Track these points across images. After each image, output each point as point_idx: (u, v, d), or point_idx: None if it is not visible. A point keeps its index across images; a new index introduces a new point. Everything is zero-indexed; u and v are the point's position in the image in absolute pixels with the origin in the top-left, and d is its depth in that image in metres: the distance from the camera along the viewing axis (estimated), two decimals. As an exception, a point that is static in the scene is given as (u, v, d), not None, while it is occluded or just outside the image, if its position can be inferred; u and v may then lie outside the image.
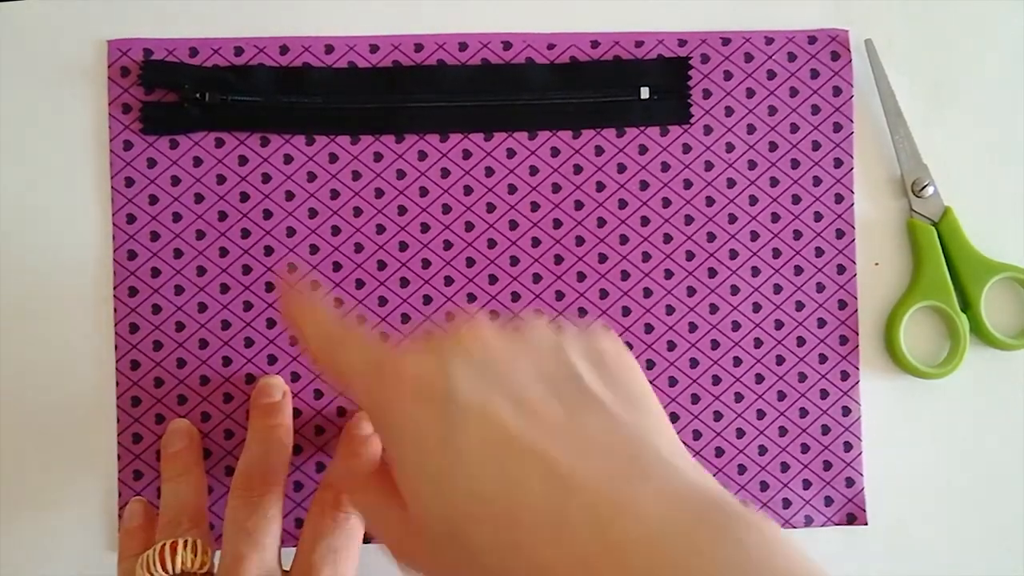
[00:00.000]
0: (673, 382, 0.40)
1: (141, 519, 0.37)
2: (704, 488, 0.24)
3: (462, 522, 0.25)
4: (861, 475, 0.41)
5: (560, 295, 0.40)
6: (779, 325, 0.41)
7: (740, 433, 0.40)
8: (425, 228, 0.40)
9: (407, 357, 0.27)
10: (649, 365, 0.40)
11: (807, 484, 0.41)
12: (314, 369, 0.39)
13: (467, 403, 0.25)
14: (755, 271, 0.41)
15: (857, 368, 0.41)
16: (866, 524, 0.41)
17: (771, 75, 0.41)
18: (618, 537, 0.23)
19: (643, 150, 0.40)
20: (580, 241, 0.40)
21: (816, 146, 0.41)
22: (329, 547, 0.34)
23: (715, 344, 0.40)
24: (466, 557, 0.25)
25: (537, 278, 0.40)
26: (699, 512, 0.23)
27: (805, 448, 0.41)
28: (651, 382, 0.40)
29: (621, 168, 0.40)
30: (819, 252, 0.41)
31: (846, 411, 0.41)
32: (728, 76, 0.41)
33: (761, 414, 0.41)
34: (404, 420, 0.26)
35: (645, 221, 0.40)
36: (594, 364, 0.27)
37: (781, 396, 0.41)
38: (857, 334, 0.41)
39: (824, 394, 0.41)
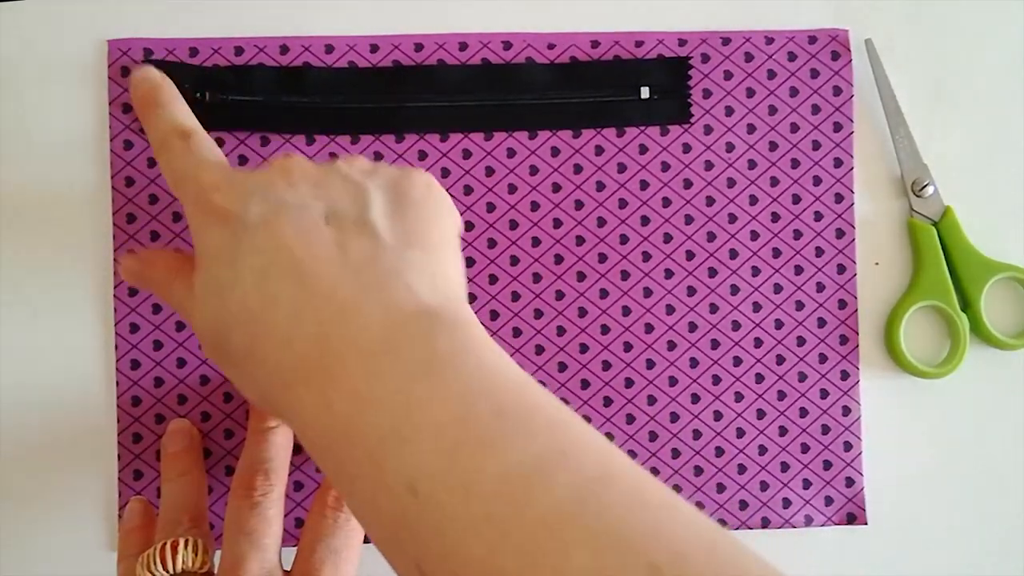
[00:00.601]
0: (673, 382, 0.40)
1: (141, 518, 0.37)
2: (422, 303, 0.27)
3: (227, 331, 0.29)
4: (861, 475, 0.41)
5: (560, 295, 0.40)
6: (779, 325, 0.41)
7: (740, 433, 0.41)
8: (425, 228, 0.40)
9: (220, 183, 0.30)
10: (649, 365, 0.40)
11: (807, 484, 0.41)
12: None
13: (252, 223, 0.29)
14: (755, 271, 0.41)
15: (857, 368, 0.41)
16: (866, 524, 0.41)
17: (771, 75, 0.41)
18: (334, 348, 0.26)
19: (643, 150, 0.40)
20: (580, 241, 0.40)
21: (816, 146, 0.41)
22: (329, 547, 0.34)
23: (715, 344, 0.40)
24: (230, 363, 0.29)
25: (537, 278, 0.40)
26: (407, 323, 0.26)
27: (805, 448, 0.41)
28: (651, 382, 0.40)
29: (621, 168, 0.40)
30: (819, 252, 0.41)
31: (846, 411, 0.41)
32: (728, 76, 0.41)
33: (761, 414, 0.41)
34: (203, 238, 0.30)
35: (645, 221, 0.40)
36: (389, 198, 0.30)
37: (781, 396, 0.41)
38: (857, 334, 0.41)
39: (824, 394, 0.41)
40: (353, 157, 0.32)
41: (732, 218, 0.41)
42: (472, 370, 0.26)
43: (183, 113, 0.34)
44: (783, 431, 0.41)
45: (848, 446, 0.41)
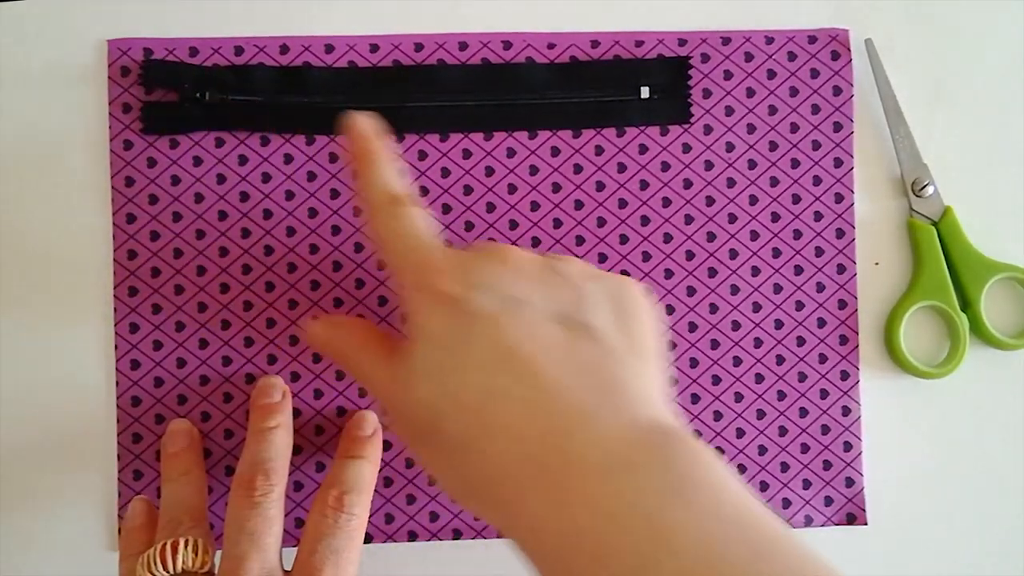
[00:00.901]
0: (673, 382, 0.40)
1: (143, 518, 0.37)
2: (655, 419, 0.27)
3: (445, 414, 0.28)
4: (861, 475, 0.41)
5: (560, 295, 0.40)
6: (779, 325, 0.41)
7: (740, 433, 0.41)
8: (425, 228, 0.40)
9: (442, 265, 0.30)
10: (649, 365, 0.40)
11: (807, 484, 0.41)
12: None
13: (479, 315, 0.29)
14: (755, 271, 0.41)
15: (857, 368, 0.41)
16: (866, 524, 0.41)
17: (771, 75, 0.41)
18: (569, 454, 0.26)
19: (643, 150, 0.40)
20: (580, 241, 0.40)
21: (816, 146, 0.41)
22: (330, 548, 0.34)
23: (715, 344, 0.40)
24: (437, 442, 0.29)
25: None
26: (645, 441, 0.26)
27: (805, 448, 0.41)
28: (651, 382, 0.40)
29: (621, 168, 0.40)
30: (819, 252, 0.41)
31: (846, 411, 0.41)
32: (728, 76, 0.41)
33: (761, 414, 0.41)
34: (422, 319, 0.30)
35: (645, 221, 0.40)
36: (609, 304, 0.30)
37: (781, 396, 0.41)
38: (857, 334, 0.41)
39: (824, 394, 0.41)
40: (568, 258, 0.32)
41: (732, 218, 0.41)
42: (720, 495, 0.25)
43: (397, 176, 0.33)
44: (783, 431, 0.41)
45: (848, 446, 0.41)
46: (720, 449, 0.40)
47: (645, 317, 0.31)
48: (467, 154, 0.40)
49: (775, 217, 0.41)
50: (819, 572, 0.24)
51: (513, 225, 0.40)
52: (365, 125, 0.34)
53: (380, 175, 0.33)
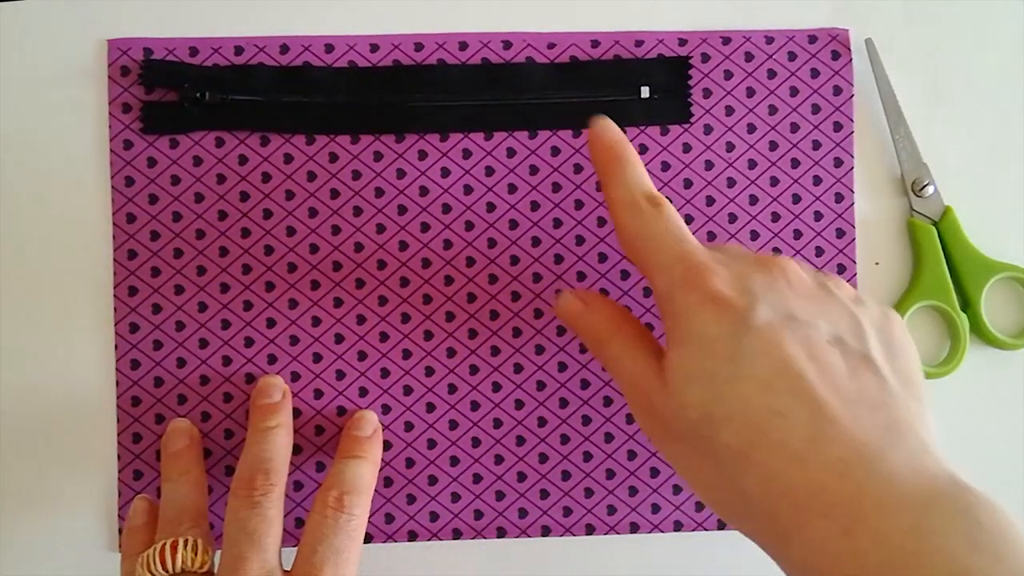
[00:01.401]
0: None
1: (144, 517, 0.37)
2: (947, 470, 0.27)
3: (718, 423, 0.28)
4: (861, 475, 0.41)
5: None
6: (779, 325, 0.41)
7: (740, 433, 0.40)
8: (425, 228, 0.40)
9: (715, 266, 0.30)
10: (649, 365, 0.40)
11: (807, 484, 0.41)
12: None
13: (761, 328, 0.29)
14: (755, 271, 0.41)
15: (857, 368, 0.41)
16: (866, 524, 0.41)
17: (771, 74, 0.41)
18: (861, 485, 0.26)
19: (643, 149, 0.40)
20: (580, 241, 0.40)
21: (816, 145, 0.41)
22: (330, 548, 0.34)
23: (715, 344, 0.40)
24: (703, 447, 0.29)
25: (537, 278, 0.40)
26: (940, 487, 0.26)
27: (805, 448, 0.41)
28: (652, 382, 0.40)
29: (621, 168, 0.40)
30: (819, 252, 0.41)
31: (846, 411, 0.41)
32: (728, 75, 0.41)
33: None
34: (696, 322, 0.30)
35: (645, 221, 0.40)
36: (881, 338, 0.30)
37: (781, 396, 0.41)
38: (857, 334, 0.41)
39: (824, 394, 0.41)
40: (837, 279, 0.32)
41: (732, 218, 0.41)
42: (1016, 549, 0.25)
43: (647, 177, 0.34)
44: (783, 431, 0.41)
45: (848, 446, 0.41)
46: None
47: (911, 354, 0.31)
48: (467, 154, 0.40)
49: (775, 217, 0.41)
50: None
51: (513, 225, 0.40)
52: (610, 129, 0.34)
53: (633, 176, 0.33)
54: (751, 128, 0.41)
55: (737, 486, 0.29)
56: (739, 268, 0.31)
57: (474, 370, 0.40)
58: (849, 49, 0.41)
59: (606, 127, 0.35)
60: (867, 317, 0.31)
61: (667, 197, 0.40)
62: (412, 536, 0.40)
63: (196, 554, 0.34)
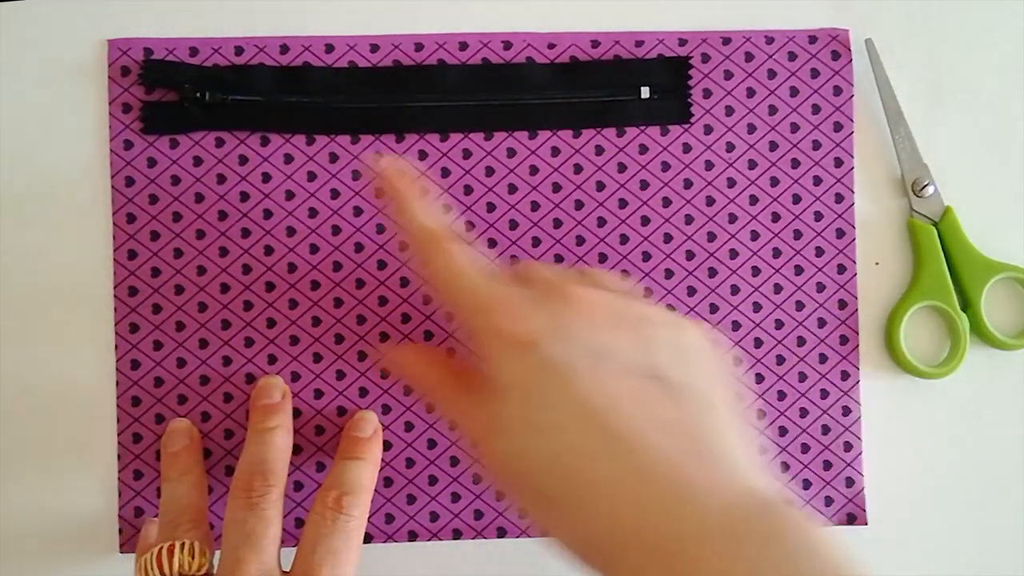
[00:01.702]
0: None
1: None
2: (757, 489, 0.27)
3: (541, 473, 0.28)
4: (861, 475, 0.41)
5: (560, 295, 0.40)
6: (779, 325, 0.41)
7: (740, 433, 0.40)
8: (425, 228, 0.40)
9: (501, 295, 0.30)
10: (649, 365, 0.40)
11: (807, 484, 0.41)
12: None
13: (556, 364, 0.28)
14: (755, 271, 0.41)
15: (857, 368, 0.41)
16: (866, 524, 0.41)
17: (771, 75, 0.41)
18: (670, 517, 0.26)
19: (643, 150, 0.40)
20: (580, 241, 0.40)
21: (816, 146, 0.41)
22: (329, 548, 0.34)
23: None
24: (536, 502, 0.29)
25: (537, 278, 0.40)
26: (749, 510, 0.26)
27: (805, 448, 0.41)
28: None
29: (621, 168, 0.40)
30: (819, 252, 0.41)
31: (846, 411, 0.41)
32: (728, 75, 0.41)
33: (761, 414, 0.41)
34: (496, 369, 0.29)
35: (645, 221, 0.40)
36: (677, 356, 0.30)
37: (781, 396, 0.41)
38: (857, 334, 0.41)
39: (824, 394, 0.41)
40: (633, 300, 0.31)
41: (732, 218, 0.41)
42: (838, 569, 0.25)
43: (435, 212, 0.33)
44: (783, 431, 0.41)
45: (848, 446, 0.41)
46: (720, 449, 0.40)
47: (715, 368, 0.30)
48: (467, 154, 0.40)
49: (775, 217, 0.41)
50: None
51: (513, 225, 0.40)
52: (392, 166, 0.34)
53: (416, 214, 0.33)
54: (751, 128, 0.41)
55: (582, 533, 0.28)
56: (529, 303, 0.30)
57: (474, 370, 0.40)
58: (849, 49, 0.41)
59: (389, 165, 0.34)
60: (667, 338, 0.30)
61: (667, 197, 0.40)
62: (412, 536, 0.40)
63: (194, 557, 0.34)
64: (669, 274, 0.40)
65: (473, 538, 0.40)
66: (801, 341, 0.41)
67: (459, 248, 0.32)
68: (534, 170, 0.40)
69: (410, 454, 0.40)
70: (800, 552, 0.25)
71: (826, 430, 0.41)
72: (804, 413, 0.41)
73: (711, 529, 0.26)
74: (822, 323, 0.41)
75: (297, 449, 0.39)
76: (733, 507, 0.26)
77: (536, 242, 0.40)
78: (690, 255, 0.40)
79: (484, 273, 0.31)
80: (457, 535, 0.40)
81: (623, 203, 0.40)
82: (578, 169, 0.40)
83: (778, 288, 0.41)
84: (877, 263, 0.41)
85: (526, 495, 0.29)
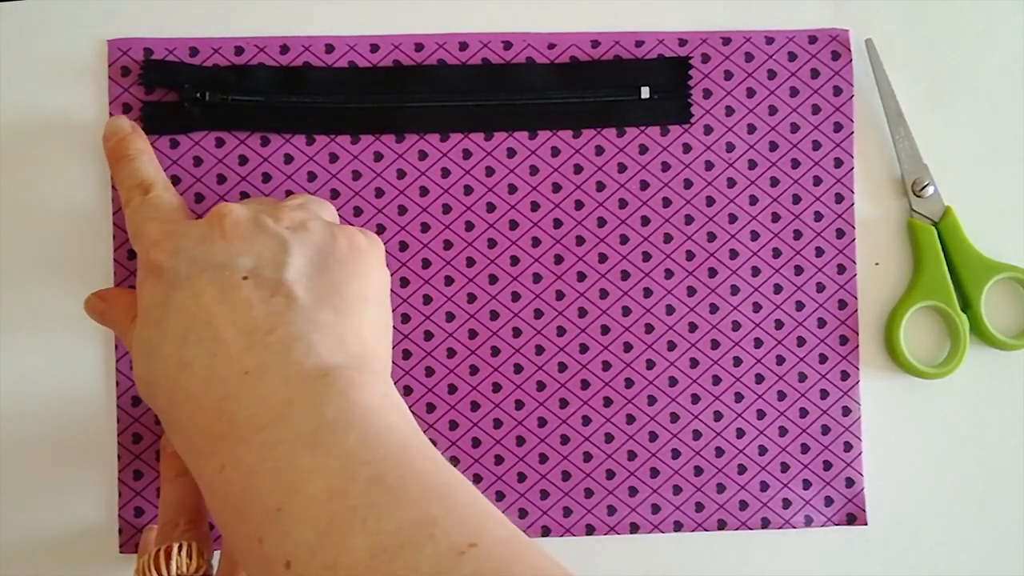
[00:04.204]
0: (673, 382, 0.40)
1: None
2: (326, 366, 0.28)
3: (152, 393, 0.30)
4: (861, 475, 0.41)
5: (560, 295, 0.40)
6: (779, 325, 0.41)
7: (740, 433, 0.40)
8: (425, 228, 0.40)
9: (157, 237, 0.31)
10: (649, 365, 0.40)
11: (807, 484, 0.41)
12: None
13: (181, 284, 0.30)
14: (755, 271, 0.41)
15: (857, 368, 0.41)
16: (866, 524, 0.41)
17: (771, 75, 0.41)
18: (233, 418, 0.27)
19: (643, 150, 0.40)
20: (580, 241, 0.40)
21: (816, 146, 0.41)
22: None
23: (715, 344, 0.40)
24: (163, 423, 0.31)
25: (537, 278, 0.40)
26: (301, 386, 0.27)
27: (805, 448, 0.41)
28: (651, 382, 0.40)
29: (621, 168, 0.40)
30: (819, 252, 0.41)
31: (846, 411, 0.41)
32: (728, 76, 0.41)
33: (761, 414, 0.41)
34: (140, 295, 0.31)
35: (645, 221, 0.40)
36: (311, 256, 0.31)
37: (781, 396, 0.41)
38: (857, 334, 0.41)
39: (824, 394, 0.41)
40: (290, 204, 0.32)
41: (732, 218, 0.41)
42: (356, 438, 0.26)
43: (149, 165, 0.35)
44: (783, 431, 0.41)
45: (848, 446, 0.41)
46: (720, 449, 0.40)
47: (348, 264, 0.31)
48: (467, 154, 0.40)
49: (775, 217, 0.41)
50: (431, 492, 0.25)
51: (513, 225, 0.40)
52: (118, 123, 0.36)
53: (131, 167, 0.35)
54: (751, 128, 0.41)
55: (179, 446, 0.30)
56: (179, 233, 0.31)
57: (474, 370, 0.40)
58: (849, 49, 0.41)
59: (115, 127, 0.36)
60: (299, 240, 0.31)
61: (667, 197, 0.40)
62: (412, 536, 0.40)
63: (191, 559, 0.34)
64: (669, 274, 0.40)
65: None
66: (801, 341, 0.41)
67: (157, 192, 0.34)
68: (534, 170, 0.40)
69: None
70: (331, 425, 0.26)
71: (826, 430, 0.41)
72: (804, 413, 0.41)
73: (257, 419, 0.27)
74: (822, 323, 0.41)
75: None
76: (286, 392, 0.27)
77: (536, 242, 0.40)
78: (690, 255, 0.40)
79: (172, 213, 0.33)
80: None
81: (623, 203, 0.40)
82: (578, 169, 0.40)
83: (778, 288, 0.41)
84: (877, 263, 0.41)
85: (156, 408, 0.31)
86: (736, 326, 0.41)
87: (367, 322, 0.31)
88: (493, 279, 0.40)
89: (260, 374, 0.28)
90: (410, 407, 0.39)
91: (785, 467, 0.41)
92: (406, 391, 0.40)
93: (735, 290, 0.41)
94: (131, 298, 0.34)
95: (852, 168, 0.41)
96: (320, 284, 0.30)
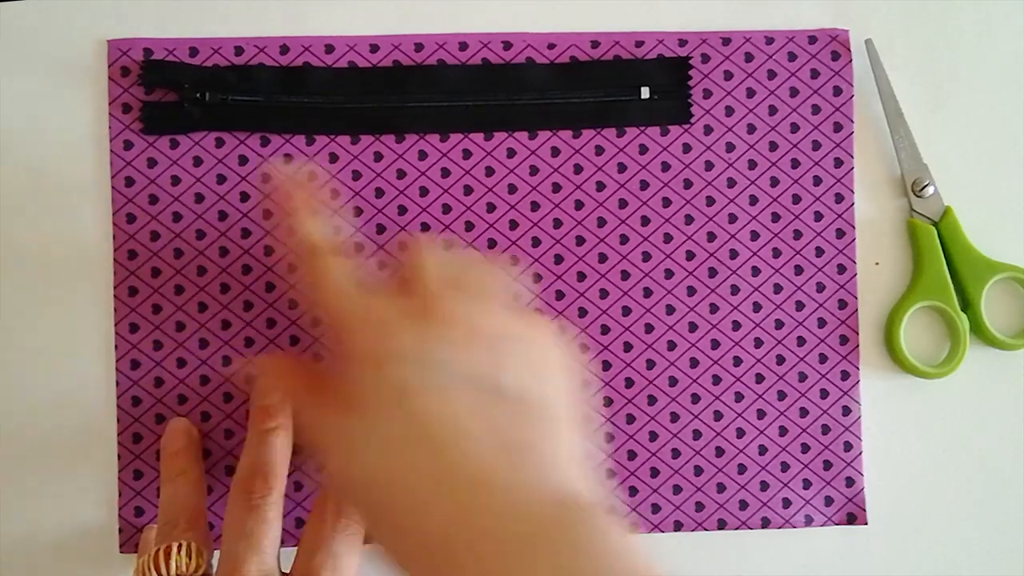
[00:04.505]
0: (673, 382, 0.40)
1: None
2: (567, 491, 0.28)
3: (375, 489, 0.29)
4: (861, 475, 0.41)
5: (560, 295, 0.40)
6: (779, 325, 0.41)
7: (740, 433, 0.40)
8: (425, 228, 0.40)
9: (372, 323, 0.30)
10: (649, 365, 0.40)
11: (807, 484, 0.41)
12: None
13: (395, 385, 0.29)
14: (755, 271, 0.41)
15: (857, 368, 0.41)
16: (866, 524, 0.41)
17: (771, 75, 0.41)
18: (480, 525, 0.27)
19: (643, 150, 0.40)
20: (580, 241, 0.40)
21: (816, 146, 0.41)
22: (329, 552, 0.34)
23: (715, 344, 0.40)
24: (374, 515, 0.30)
25: (537, 278, 0.40)
26: (551, 509, 0.27)
27: (805, 448, 0.41)
28: (651, 382, 0.40)
29: (621, 168, 0.40)
30: (819, 252, 0.41)
31: (846, 411, 0.41)
32: (728, 76, 0.41)
33: (761, 414, 0.41)
34: (349, 379, 0.30)
35: (645, 221, 0.40)
36: (521, 369, 0.30)
37: (781, 396, 0.41)
38: (857, 334, 0.41)
39: (824, 394, 0.41)
40: (493, 309, 0.31)
41: (732, 218, 0.41)
42: (622, 569, 0.26)
43: (320, 226, 0.34)
44: (783, 431, 0.41)
45: (848, 446, 0.41)
46: (720, 449, 0.40)
47: (557, 376, 0.31)
48: (467, 154, 0.40)
49: (775, 217, 0.41)
50: None
51: (513, 225, 0.40)
52: (285, 177, 0.35)
53: (317, 222, 0.33)
54: (751, 128, 0.41)
55: (407, 548, 0.29)
56: (384, 323, 0.30)
57: (474, 370, 0.40)
58: (849, 49, 0.41)
59: (282, 176, 0.35)
60: (515, 350, 0.30)
61: (667, 197, 0.40)
62: (412, 536, 0.40)
63: (191, 558, 0.34)
64: (669, 274, 0.40)
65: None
66: (801, 341, 0.41)
67: (336, 262, 0.32)
68: (534, 170, 0.40)
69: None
70: (596, 553, 0.26)
71: (826, 430, 0.41)
72: (804, 413, 0.41)
73: (512, 536, 0.26)
74: (822, 323, 0.41)
75: (297, 449, 0.39)
76: (536, 510, 0.27)
77: (536, 242, 0.40)
78: (690, 255, 0.40)
79: (358, 289, 0.32)
80: (457, 535, 0.40)
81: (623, 203, 0.40)
82: (578, 169, 0.40)
83: (778, 288, 0.41)
84: (877, 263, 0.41)
85: (362, 510, 0.31)
86: (736, 326, 0.41)
87: (577, 431, 0.31)
88: (493, 279, 0.40)
89: (501, 485, 0.28)
90: (410, 407, 0.40)
91: (785, 467, 0.41)
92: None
93: (735, 290, 0.41)
94: (307, 367, 0.34)
95: (852, 168, 0.41)
96: (536, 396, 0.30)
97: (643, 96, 0.40)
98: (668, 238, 0.40)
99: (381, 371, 0.29)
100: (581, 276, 0.40)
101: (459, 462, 0.28)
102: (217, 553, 0.35)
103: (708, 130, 0.40)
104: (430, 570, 0.28)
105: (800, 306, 0.41)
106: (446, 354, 0.30)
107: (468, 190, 0.40)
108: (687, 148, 0.40)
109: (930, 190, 0.41)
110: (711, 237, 0.40)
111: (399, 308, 0.31)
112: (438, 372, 0.29)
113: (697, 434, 0.40)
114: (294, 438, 0.35)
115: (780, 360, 0.41)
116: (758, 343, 0.41)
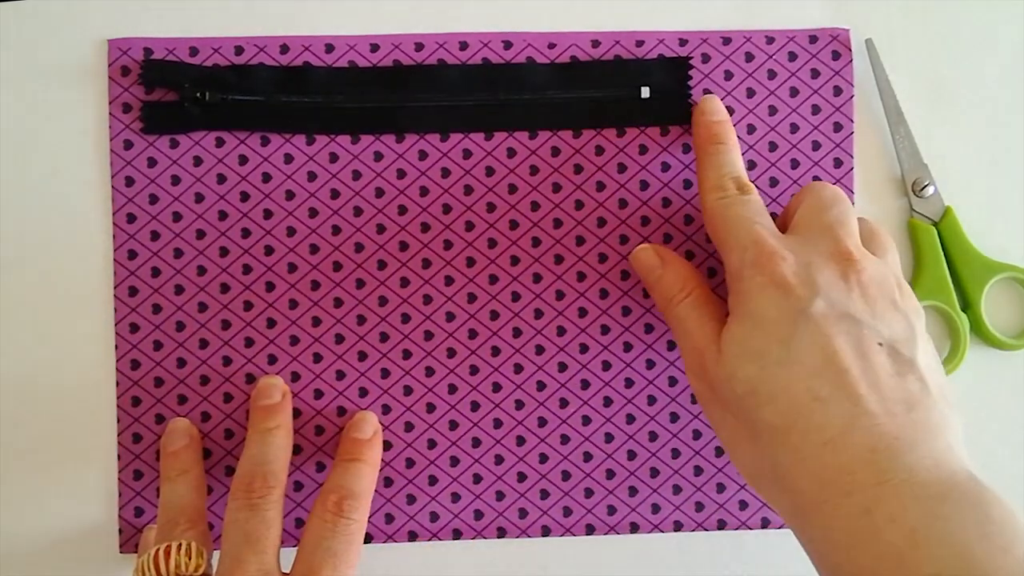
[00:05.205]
0: (673, 382, 0.40)
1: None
2: (967, 469, 0.29)
3: (762, 399, 0.31)
4: (861, 475, 0.41)
5: (560, 295, 0.40)
6: (779, 325, 0.41)
7: (740, 433, 0.40)
8: (425, 228, 0.40)
9: (786, 254, 0.33)
10: (649, 365, 0.40)
11: (807, 484, 0.41)
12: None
13: (816, 319, 0.31)
14: (755, 271, 0.41)
15: (857, 368, 0.41)
16: (866, 524, 0.41)
17: (771, 75, 0.41)
18: (885, 473, 0.29)
19: (643, 150, 0.40)
20: (580, 241, 0.40)
21: (816, 146, 0.41)
22: (329, 550, 0.34)
23: (715, 344, 0.40)
24: (743, 418, 0.32)
25: (537, 278, 0.40)
26: (958, 482, 0.28)
27: (805, 448, 0.41)
28: (651, 382, 0.40)
29: (621, 168, 0.40)
30: (819, 252, 0.41)
31: (846, 411, 0.41)
32: (728, 76, 0.41)
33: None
34: (757, 302, 0.32)
35: (645, 221, 0.40)
36: (928, 350, 0.32)
37: (781, 396, 0.41)
38: (857, 334, 0.41)
39: (824, 394, 0.41)
40: (906, 289, 0.33)
41: (732, 218, 0.40)
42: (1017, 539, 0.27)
43: (741, 162, 0.37)
44: (783, 431, 0.41)
45: (848, 446, 0.41)
46: (720, 449, 0.40)
47: (933, 359, 0.33)
48: (467, 154, 0.40)
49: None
50: None
51: (513, 225, 0.40)
52: (715, 111, 0.37)
53: (727, 160, 0.36)
54: (751, 129, 0.41)
55: (769, 459, 0.31)
56: (811, 258, 0.32)
57: (474, 370, 0.40)
58: (849, 49, 0.41)
59: (713, 108, 0.38)
60: (921, 331, 0.32)
61: (667, 197, 0.40)
62: (412, 536, 0.40)
63: (191, 558, 0.34)
64: (669, 274, 0.40)
65: (473, 538, 0.40)
66: (801, 341, 0.41)
67: (757, 199, 0.35)
68: (534, 170, 0.40)
69: (410, 454, 0.40)
70: (999, 525, 0.27)
71: (826, 430, 0.41)
72: (804, 413, 0.41)
73: (917, 491, 0.28)
74: (822, 323, 0.41)
75: (297, 449, 0.39)
76: (942, 477, 0.28)
77: (536, 242, 0.40)
78: (690, 255, 0.40)
79: (771, 225, 0.34)
80: (457, 535, 0.40)
81: (623, 203, 0.40)
82: (578, 169, 0.40)
83: (778, 288, 0.41)
84: (877, 263, 0.41)
85: (737, 415, 0.33)
86: (736, 326, 0.40)
87: (957, 420, 0.32)
88: (493, 279, 0.40)
89: (911, 445, 0.29)
90: (410, 407, 0.40)
91: (785, 467, 0.41)
92: (406, 391, 0.40)
93: (735, 290, 0.40)
94: (689, 271, 0.36)
95: (852, 168, 0.41)
96: (935, 378, 0.32)
97: (643, 96, 0.40)
98: (668, 238, 0.40)
99: (786, 295, 0.32)
100: (581, 276, 0.40)
101: (872, 413, 0.30)
102: (217, 553, 0.35)
103: (708, 130, 0.40)
104: (802, 497, 0.30)
105: (800, 306, 0.41)
106: (866, 311, 0.32)
107: (468, 190, 0.40)
108: (687, 148, 0.40)
109: (930, 190, 0.41)
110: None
111: (821, 250, 0.33)
112: (857, 325, 0.31)
113: (697, 434, 0.40)
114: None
115: (780, 360, 0.41)
116: (758, 343, 0.41)
